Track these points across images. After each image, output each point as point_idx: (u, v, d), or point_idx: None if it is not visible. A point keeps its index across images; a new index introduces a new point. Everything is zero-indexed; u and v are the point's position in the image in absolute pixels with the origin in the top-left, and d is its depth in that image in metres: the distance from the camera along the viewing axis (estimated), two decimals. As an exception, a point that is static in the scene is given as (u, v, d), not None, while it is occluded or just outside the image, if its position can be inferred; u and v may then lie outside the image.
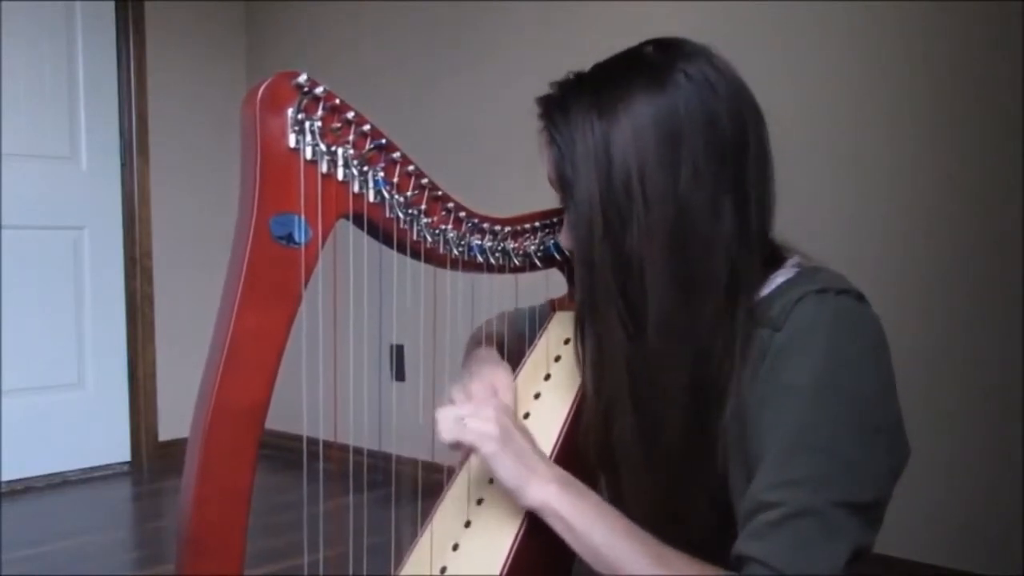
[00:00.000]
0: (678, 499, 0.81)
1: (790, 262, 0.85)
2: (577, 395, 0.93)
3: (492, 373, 0.96)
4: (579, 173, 0.79)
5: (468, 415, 0.82)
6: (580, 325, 0.84)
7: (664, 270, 0.78)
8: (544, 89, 0.86)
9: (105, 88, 3.40)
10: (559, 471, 0.83)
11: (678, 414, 0.80)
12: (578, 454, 0.90)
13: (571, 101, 0.82)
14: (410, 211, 0.84)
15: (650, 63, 0.81)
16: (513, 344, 1.06)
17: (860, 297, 0.80)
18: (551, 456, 0.89)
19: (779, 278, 0.82)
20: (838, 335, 0.76)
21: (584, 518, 0.79)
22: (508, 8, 2.85)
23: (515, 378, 1.00)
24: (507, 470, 0.81)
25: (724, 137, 0.78)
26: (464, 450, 0.86)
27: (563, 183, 0.82)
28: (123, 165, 3.45)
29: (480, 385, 0.93)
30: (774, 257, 0.84)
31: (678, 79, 0.78)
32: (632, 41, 0.86)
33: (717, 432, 0.79)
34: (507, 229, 0.94)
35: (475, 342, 1.11)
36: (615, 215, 0.78)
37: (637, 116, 0.78)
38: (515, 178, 2.79)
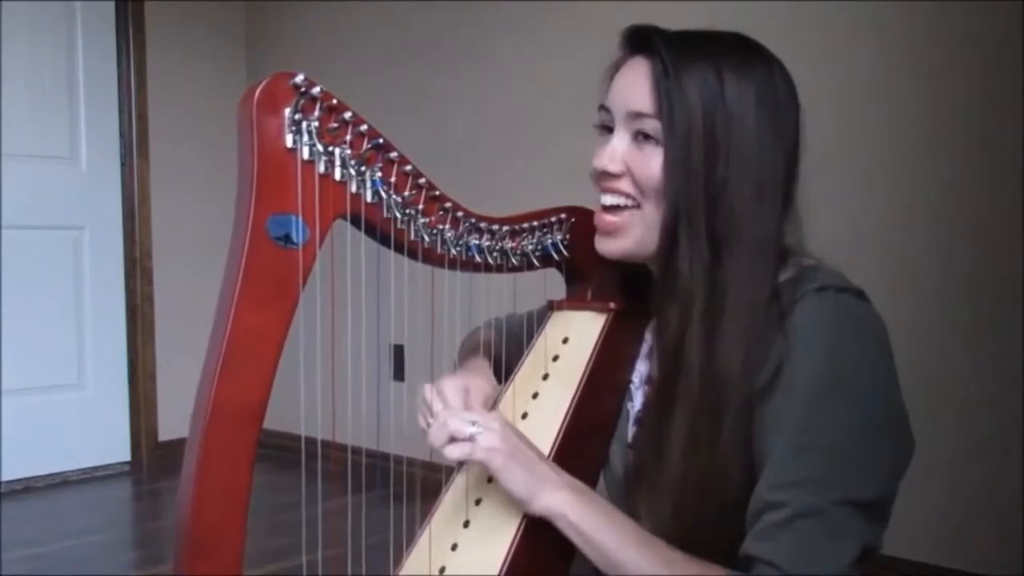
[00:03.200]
0: (716, 428, 0.80)
1: (791, 261, 0.85)
2: (576, 395, 0.93)
3: (468, 378, 0.95)
4: (685, 88, 0.81)
5: (476, 431, 0.81)
6: (671, 228, 0.84)
7: (750, 205, 0.81)
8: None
9: (105, 88, 3.40)
10: (568, 478, 0.83)
11: (739, 343, 0.79)
12: (577, 452, 0.90)
13: (679, 38, 0.84)
14: (407, 211, 0.84)
15: (748, 42, 0.86)
16: (501, 351, 1.05)
17: (860, 294, 0.80)
18: (550, 455, 0.89)
19: (780, 277, 0.83)
20: (839, 334, 0.76)
21: (595, 524, 0.79)
22: (509, 8, 2.85)
23: (513, 377, 1.00)
24: (517, 482, 0.81)
25: (795, 123, 0.84)
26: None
27: (665, 90, 0.82)
28: (123, 165, 3.45)
29: (453, 390, 0.93)
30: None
31: (772, 60, 0.85)
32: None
33: (758, 383, 0.78)
34: (505, 228, 0.93)
35: (468, 349, 1.10)
36: (714, 137, 0.80)
37: (748, 74, 0.82)
38: (514, 178, 2.79)
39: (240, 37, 3.77)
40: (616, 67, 0.88)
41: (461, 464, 0.93)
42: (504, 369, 1.04)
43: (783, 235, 0.83)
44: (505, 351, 1.04)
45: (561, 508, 0.80)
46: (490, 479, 0.88)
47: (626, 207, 0.87)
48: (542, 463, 0.83)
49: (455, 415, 0.83)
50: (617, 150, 0.86)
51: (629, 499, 0.88)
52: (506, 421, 0.85)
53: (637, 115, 0.84)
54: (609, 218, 0.88)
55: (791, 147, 0.84)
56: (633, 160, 0.85)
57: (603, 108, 0.89)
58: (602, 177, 0.88)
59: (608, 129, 0.88)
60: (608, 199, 0.88)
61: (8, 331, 3.17)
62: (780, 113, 0.82)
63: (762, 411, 0.77)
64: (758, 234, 0.81)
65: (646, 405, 0.93)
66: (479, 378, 0.97)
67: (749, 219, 0.80)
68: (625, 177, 0.86)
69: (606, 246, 0.90)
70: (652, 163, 0.84)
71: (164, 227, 3.52)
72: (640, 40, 0.86)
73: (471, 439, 0.81)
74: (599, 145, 0.89)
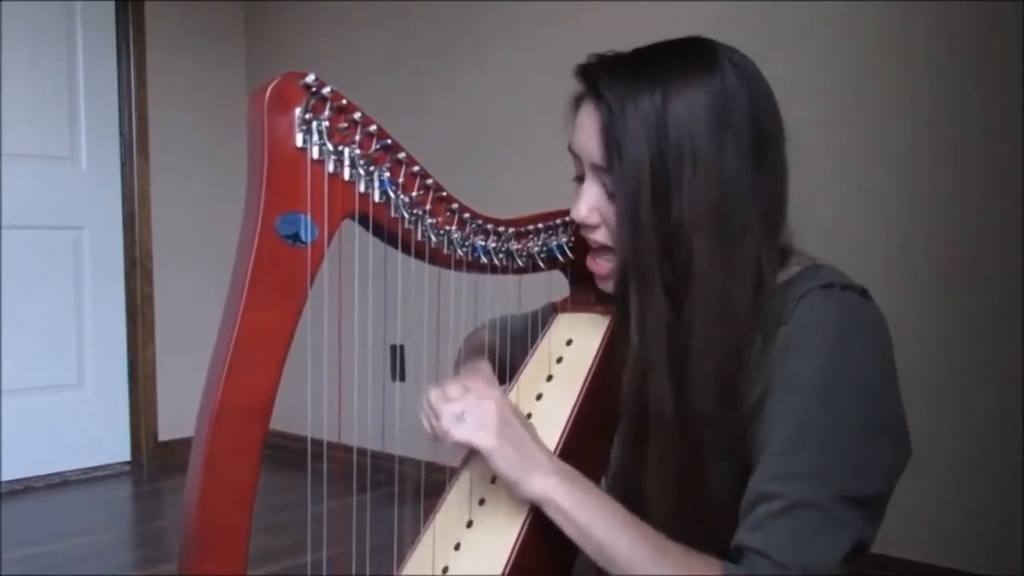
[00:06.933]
0: (701, 471, 0.80)
1: (793, 261, 0.85)
2: (579, 396, 0.94)
3: (472, 378, 0.94)
4: (631, 135, 0.80)
5: (467, 410, 0.80)
6: (623, 287, 0.83)
7: (708, 240, 0.79)
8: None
9: (105, 88, 3.40)
10: (561, 464, 0.82)
11: (711, 385, 0.79)
12: (581, 454, 0.90)
13: (623, 71, 0.83)
14: (415, 211, 0.85)
15: (698, 49, 0.83)
16: (505, 351, 1.05)
17: (864, 293, 0.80)
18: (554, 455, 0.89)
19: (783, 275, 0.83)
20: (842, 330, 0.76)
21: (585, 510, 0.78)
22: (509, 7, 2.86)
23: (517, 379, 1.00)
24: (507, 463, 0.79)
25: (762, 124, 0.81)
26: (462, 447, 0.85)
27: (611, 143, 0.81)
28: (123, 165, 3.45)
29: (457, 388, 0.92)
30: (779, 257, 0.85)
31: (726, 65, 0.81)
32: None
33: (744, 412, 0.78)
34: (511, 230, 0.94)
35: (470, 349, 1.10)
36: (664, 179, 0.79)
37: (692, 91, 0.80)
38: (518, 179, 2.80)
39: (240, 37, 3.77)
40: (576, 104, 0.88)
41: (464, 462, 0.93)
42: (508, 370, 1.04)
43: (768, 243, 0.81)
44: (509, 351, 1.04)
45: (551, 493, 0.79)
46: (493, 479, 0.89)
47: (609, 249, 0.88)
48: (535, 447, 0.82)
49: (448, 403, 0.82)
50: (590, 202, 0.87)
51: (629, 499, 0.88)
52: (503, 398, 0.83)
53: (598, 167, 0.85)
54: (597, 265, 0.91)
55: (760, 145, 0.81)
56: (605, 210, 0.87)
57: (572, 153, 0.89)
58: (582, 227, 0.90)
59: (580, 179, 0.89)
60: (593, 244, 0.90)
61: (8, 331, 3.16)
62: (738, 117, 0.79)
63: (758, 418, 0.77)
64: (726, 257, 0.79)
65: (617, 460, 0.92)
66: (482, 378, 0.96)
67: (710, 247, 0.79)
68: (602, 227, 0.88)
69: (603, 286, 0.93)
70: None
71: (164, 227, 3.52)
72: (588, 81, 0.85)
73: (462, 417, 0.80)
74: (574, 191, 0.90)
